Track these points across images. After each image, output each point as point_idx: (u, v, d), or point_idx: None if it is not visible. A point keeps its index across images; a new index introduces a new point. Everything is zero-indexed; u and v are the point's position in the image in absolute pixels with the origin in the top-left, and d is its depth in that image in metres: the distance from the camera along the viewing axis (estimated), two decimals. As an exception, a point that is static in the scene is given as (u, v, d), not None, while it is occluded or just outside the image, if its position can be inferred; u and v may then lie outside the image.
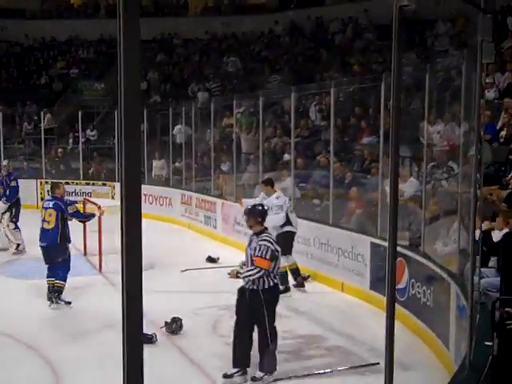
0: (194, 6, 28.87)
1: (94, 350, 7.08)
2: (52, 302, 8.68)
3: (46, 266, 8.78)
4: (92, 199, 13.23)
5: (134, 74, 2.11)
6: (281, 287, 9.17)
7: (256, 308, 6.28)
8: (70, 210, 8.94)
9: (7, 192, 12.25)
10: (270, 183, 9.73)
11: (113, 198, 16.29)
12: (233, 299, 8.99)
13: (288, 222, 9.40)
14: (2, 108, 21.18)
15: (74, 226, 12.24)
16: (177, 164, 16.67)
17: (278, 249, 6.35)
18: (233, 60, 23.04)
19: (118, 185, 16.64)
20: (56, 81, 24.93)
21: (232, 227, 12.67)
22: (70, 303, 8.76)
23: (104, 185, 17.33)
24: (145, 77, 23.93)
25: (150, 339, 7.07)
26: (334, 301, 9.13)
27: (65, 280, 8.79)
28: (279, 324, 7.90)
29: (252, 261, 6.23)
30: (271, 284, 6.31)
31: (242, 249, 11.86)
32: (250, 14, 26.03)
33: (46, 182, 18.00)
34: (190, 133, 16.06)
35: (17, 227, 12.18)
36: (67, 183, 17.92)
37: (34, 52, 27.25)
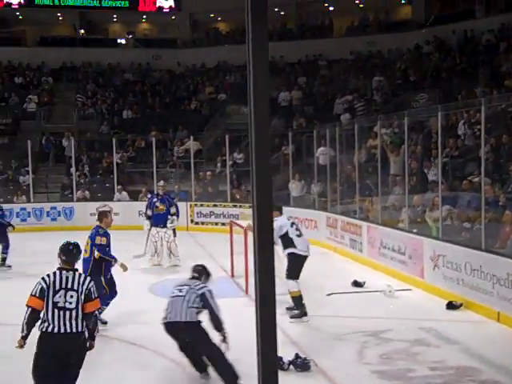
0: (339, 27, 28.97)
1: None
2: None
3: None
4: (238, 221, 13.48)
5: (263, 99, 2.12)
6: (296, 311, 9.12)
7: None
8: (97, 240, 8.63)
9: (171, 210, 13.26)
10: (276, 208, 9.37)
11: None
12: (380, 325, 8.84)
13: (290, 244, 9.25)
14: (155, 133, 22.34)
15: (222, 247, 12.66)
16: (314, 186, 16.57)
17: (46, 287, 5.39)
18: (378, 79, 22.76)
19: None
20: (205, 106, 25.88)
21: (378, 251, 12.40)
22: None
23: (251, 207, 17.61)
24: (290, 100, 24.23)
25: (307, 364, 7.06)
26: (489, 331, 8.60)
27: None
28: (429, 354, 7.62)
29: None
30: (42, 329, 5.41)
31: (389, 273, 11.74)
32: (395, 31, 25.69)
33: (196, 205, 18.70)
34: (332, 154, 15.97)
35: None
36: (215, 205, 18.53)
37: (185, 79, 28.52)
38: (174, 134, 23.34)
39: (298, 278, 9.23)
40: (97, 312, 5.53)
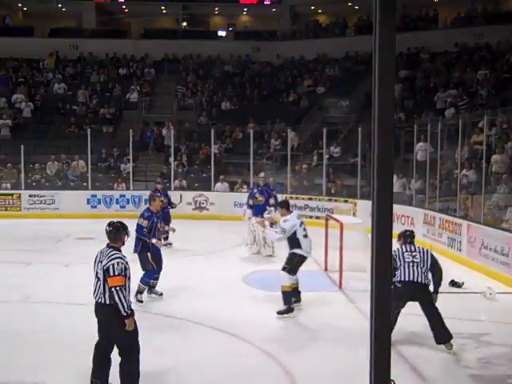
0: (444, 18, 28.04)
1: (329, 363, 7.07)
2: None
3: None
4: (334, 216, 13.30)
5: (388, 88, 1.98)
6: (284, 306, 8.97)
7: None
8: (139, 221, 9.65)
9: (270, 201, 13.60)
10: (284, 206, 9.59)
11: (354, 215, 16.24)
12: (479, 328, 8.45)
13: (296, 245, 9.16)
14: (253, 125, 22.40)
15: (315, 240, 12.52)
16: (414, 182, 16.10)
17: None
18: (483, 73, 21.84)
19: (359, 202, 16.61)
20: (303, 98, 25.72)
21: (478, 251, 11.89)
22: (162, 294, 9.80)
23: (346, 202, 17.38)
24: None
25: None
26: None
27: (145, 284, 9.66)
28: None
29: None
30: None
31: (490, 274, 11.24)
32: (505, 22, 24.54)
33: (291, 198, 18.60)
34: (431, 150, 15.48)
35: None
36: (310, 199, 18.38)
37: (284, 71, 28.47)
38: (272, 126, 23.33)
39: (294, 275, 9.19)
40: (115, 288, 5.86)
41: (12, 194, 20.12)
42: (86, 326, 7.83)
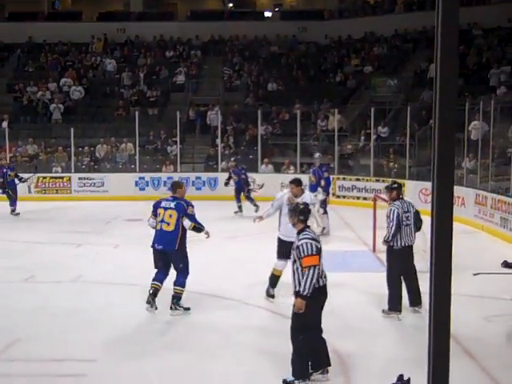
0: (496, -8, 27.19)
1: (377, 343, 7.07)
2: (171, 308, 8.08)
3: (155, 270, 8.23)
4: (382, 195, 13.11)
5: (451, 63, 1.90)
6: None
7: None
8: (189, 211, 8.17)
9: (321, 182, 13.84)
10: (299, 184, 8.84)
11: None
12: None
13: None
14: (299, 106, 22.23)
15: (363, 221, 12.36)
16: (468, 162, 15.76)
17: (320, 245, 5.87)
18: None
19: (408, 182, 16.34)
20: (350, 78, 25.39)
21: (533, 231, 11.58)
22: (188, 309, 8.19)
23: (394, 182, 17.09)
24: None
25: None
26: None
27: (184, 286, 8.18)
28: None
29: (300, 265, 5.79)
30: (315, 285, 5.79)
31: (544, 256, 10.87)
32: None
33: (338, 178, 18.43)
34: (486, 129, 15.09)
35: (325, 212, 13.63)
36: (358, 179, 18.18)
37: (330, 51, 28.12)
38: (319, 106, 23.10)
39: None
40: None
41: (62, 177, 20.51)
42: (136, 305, 7.99)
